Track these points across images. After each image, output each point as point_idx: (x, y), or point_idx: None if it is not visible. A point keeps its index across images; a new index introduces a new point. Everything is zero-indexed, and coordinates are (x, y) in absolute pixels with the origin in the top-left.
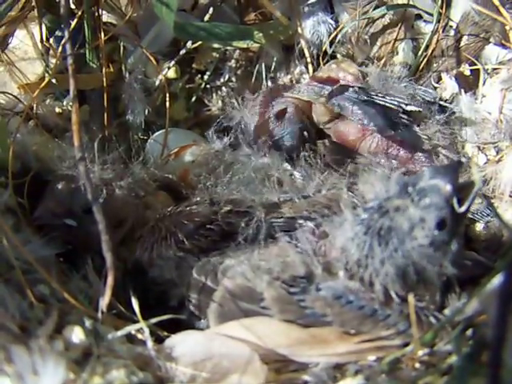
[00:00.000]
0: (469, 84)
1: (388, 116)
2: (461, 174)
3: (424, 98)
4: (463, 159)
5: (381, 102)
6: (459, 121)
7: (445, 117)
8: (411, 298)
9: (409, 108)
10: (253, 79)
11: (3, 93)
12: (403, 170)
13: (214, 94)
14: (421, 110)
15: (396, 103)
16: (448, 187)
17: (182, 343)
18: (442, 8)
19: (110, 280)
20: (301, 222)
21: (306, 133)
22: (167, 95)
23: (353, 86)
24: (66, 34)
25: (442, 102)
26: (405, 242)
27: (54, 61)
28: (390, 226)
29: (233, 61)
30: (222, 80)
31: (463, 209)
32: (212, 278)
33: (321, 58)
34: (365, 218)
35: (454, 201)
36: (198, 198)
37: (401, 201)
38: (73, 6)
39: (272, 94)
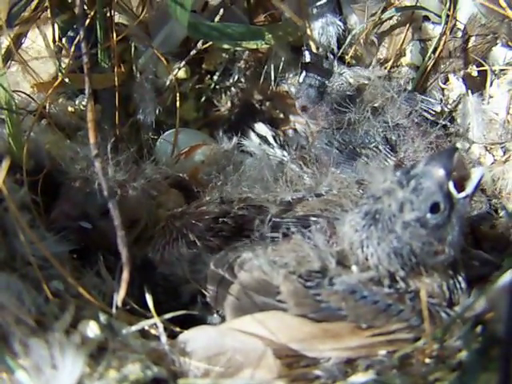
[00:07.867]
0: (476, 85)
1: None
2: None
3: (423, 115)
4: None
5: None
6: (453, 135)
7: (433, 133)
8: (423, 293)
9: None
10: (261, 80)
11: (17, 92)
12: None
13: (223, 95)
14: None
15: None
16: (441, 172)
17: (196, 338)
18: (449, 10)
19: (125, 275)
20: (313, 219)
21: None
22: (177, 95)
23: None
24: (82, 32)
25: (431, 117)
26: (397, 224)
27: (66, 61)
28: (382, 209)
29: (242, 62)
30: (231, 81)
31: (462, 195)
32: (229, 271)
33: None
34: (363, 205)
35: (450, 185)
36: (209, 197)
37: (390, 184)
38: (85, 7)
39: None
